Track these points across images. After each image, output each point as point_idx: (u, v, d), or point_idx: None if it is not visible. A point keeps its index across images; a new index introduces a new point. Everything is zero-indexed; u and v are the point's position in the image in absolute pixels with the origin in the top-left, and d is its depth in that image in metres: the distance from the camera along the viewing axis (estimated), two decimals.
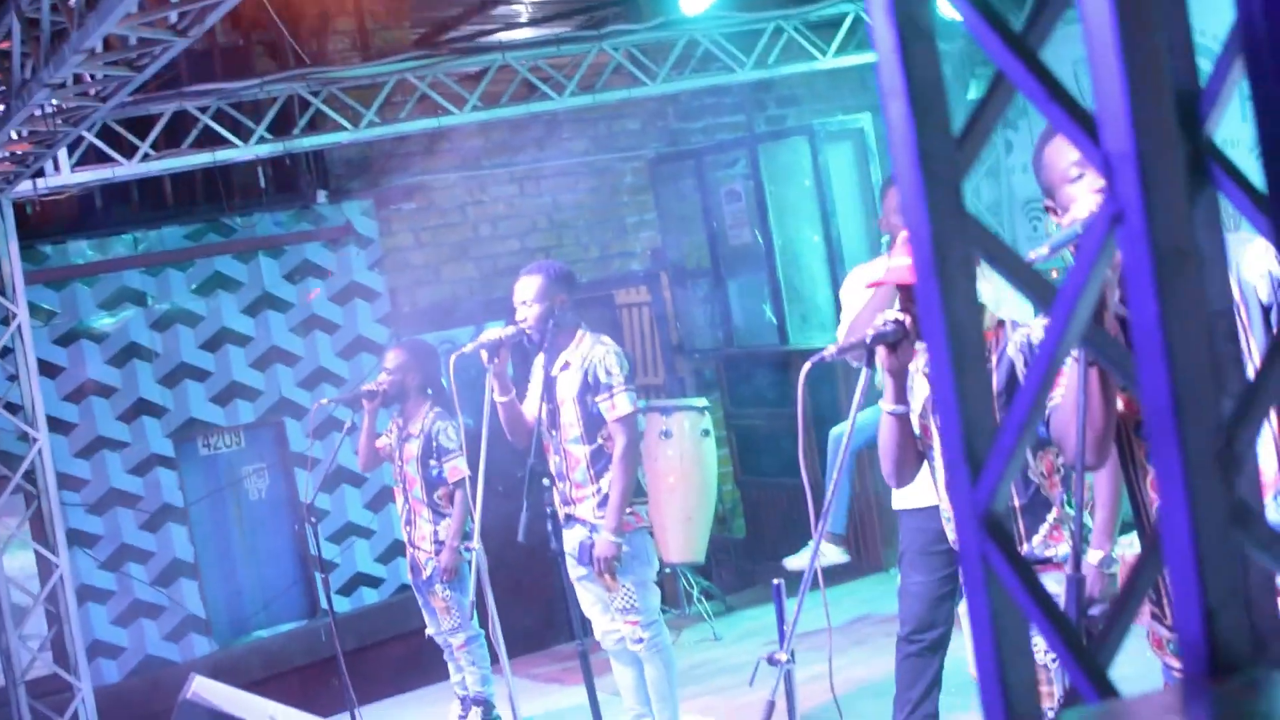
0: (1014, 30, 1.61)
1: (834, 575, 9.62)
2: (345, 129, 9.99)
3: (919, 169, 1.65)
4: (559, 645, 10.66)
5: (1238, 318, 3.79)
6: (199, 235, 10.88)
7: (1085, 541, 5.11)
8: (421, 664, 10.01)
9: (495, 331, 7.48)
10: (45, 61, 6.28)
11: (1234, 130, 8.51)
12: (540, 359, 7.73)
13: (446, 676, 9.40)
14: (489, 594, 7.21)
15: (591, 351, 7.59)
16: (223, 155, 9.60)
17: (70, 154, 9.01)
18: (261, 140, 9.66)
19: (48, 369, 10.20)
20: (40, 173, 8.76)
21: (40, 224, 10.44)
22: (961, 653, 6.19)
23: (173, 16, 5.95)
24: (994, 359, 4.99)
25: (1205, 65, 1.51)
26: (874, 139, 11.58)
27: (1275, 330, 3.71)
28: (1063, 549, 4.99)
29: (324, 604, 8.86)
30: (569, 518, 7.66)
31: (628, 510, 7.53)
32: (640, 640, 7.69)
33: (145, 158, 9.27)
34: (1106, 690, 1.49)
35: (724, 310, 12.40)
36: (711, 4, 10.42)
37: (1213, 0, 3.63)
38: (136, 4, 5.54)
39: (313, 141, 10.07)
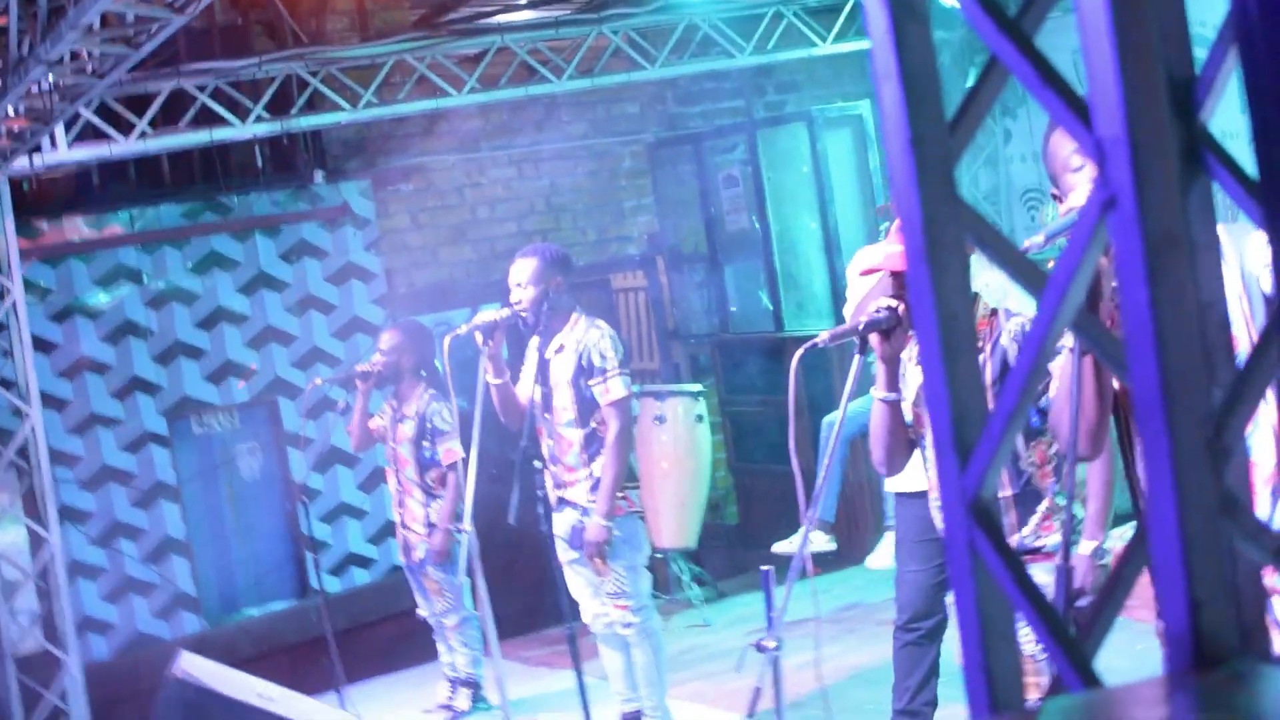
0: (1008, 15, 1.60)
1: (824, 563, 9.63)
2: (343, 109, 9.97)
3: (911, 153, 1.64)
4: (547, 629, 10.65)
5: (1240, 308, 3.79)
6: (195, 214, 10.85)
7: (1076, 533, 5.11)
8: (410, 645, 10.00)
9: (490, 313, 7.46)
10: (42, 38, 6.26)
11: (1232, 122, 8.49)
12: (535, 342, 7.71)
13: (435, 657, 9.40)
14: (480, 577, 7.20)
15: (586, 335, 7.58)
16: (220, 134, 9.57)
17: (67, 131, 8.98)
18: (259, 120, 9.63)
19: (42, 345, 10.18)
20: (37, 149, 8.73)
21: (37, 201, 10.42)
22: (954, 642, 6.18)
23: None
24: (987, 348, 4.98)
25: (1203, 55, 1.51)
26: (873, 126, 11.58)
27: (1267, 321, 3.70)
28: (1054, 539, 4.98)
29: (314, 584, 8.85)
30: (561, 501, 7.65)
31: (619, 495, 7.52)
32: (630, 625, 7.68)
33: (142, 136, 9.24)
34: (1091, 680, 1.49)
35: (720, 296, 12.39)
36: None
37: None
38: None
39: (310, 121, 10.04)
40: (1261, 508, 4.00)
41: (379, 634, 10.68)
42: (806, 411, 10.42)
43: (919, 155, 1.64)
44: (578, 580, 7.76)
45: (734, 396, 12.48)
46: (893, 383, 4.98)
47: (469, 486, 7.05)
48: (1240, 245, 3.76)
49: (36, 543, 9.05)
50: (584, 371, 7.53)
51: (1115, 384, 3.99)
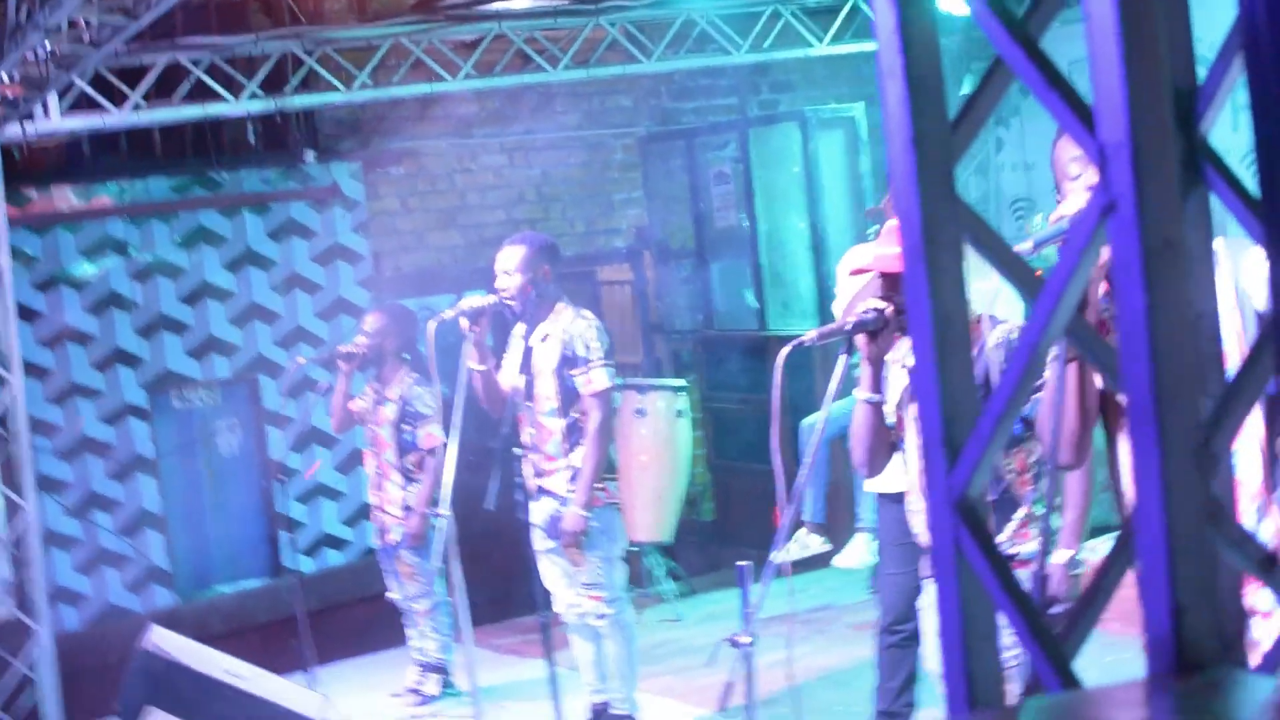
0: (1016, 17, 1.61)
1: (799, 563, 9.62)
2: (338, 90, 9.96)
3: (913, 151, 1.64)
4: (518, 617, 10.65)
5: (1233, 323, 3.79)
6: (185, 188, 10.83)
7: (1051, 542, 5.12)
8: (381, 628, 9.99)
9: (476, 299, 7.46)
10: (41, 4, 6.25)
11: (1220, 141, 8.50)
12: (519, 329, 7.71)
13: (405, 642, 9.40)
14: (455, 563, 7.20)
15: (571, 325, 7.58)
16: (214, 109, 9.56)
17: (61, 100, 8.96)
18: (253, 96, 9.63)
19: (26, 313, 10.15)
20: (30, 117, 8.71)
21: (27, 168, 10.39)
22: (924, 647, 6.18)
23: None
24: (973, 352, 4.99)
25: (1203, 74, 1.52)
26: (866, 129, 11.58)
27: (1259, 336, 3.70)
28: (1029, 547, 5.00)
29: (288, 563, 8.84)
30: (539, 490, 7.65)
31: (598, 486, 7.53)
32: (603, 616, 7.69)
33: (136, 108, 9.23)
34: (1069, 681, 1.49)
35: (705, 292, 12.39)
36: None
37: (1213, 10, 3.64)
38: None
39: (304, 100, 10.03)
40: (1246, 524, 4.00)
41: (350, 616, 10.67)
42: (787, 412, 10.40)
43: (920, 153, 1.64)
44: (553, 570, 7.77)
45: (715, 393, 12.47)
46: (876, 384, 5.00)
47: (448, 472, 7.04)
48: (1237, 260, 3.75)
49: (12, 510, 9.02)
50: (568, 361, 7.54)
51: (1101, 391, 3.99)
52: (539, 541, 7.67)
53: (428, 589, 9.01)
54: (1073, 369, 3.85)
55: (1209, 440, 1.46)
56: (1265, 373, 1.57)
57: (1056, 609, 5.09)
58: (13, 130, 8.75)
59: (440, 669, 9.18)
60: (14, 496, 8.96)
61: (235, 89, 9.56)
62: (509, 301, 7.49)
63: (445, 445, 7.22)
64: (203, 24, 10.05)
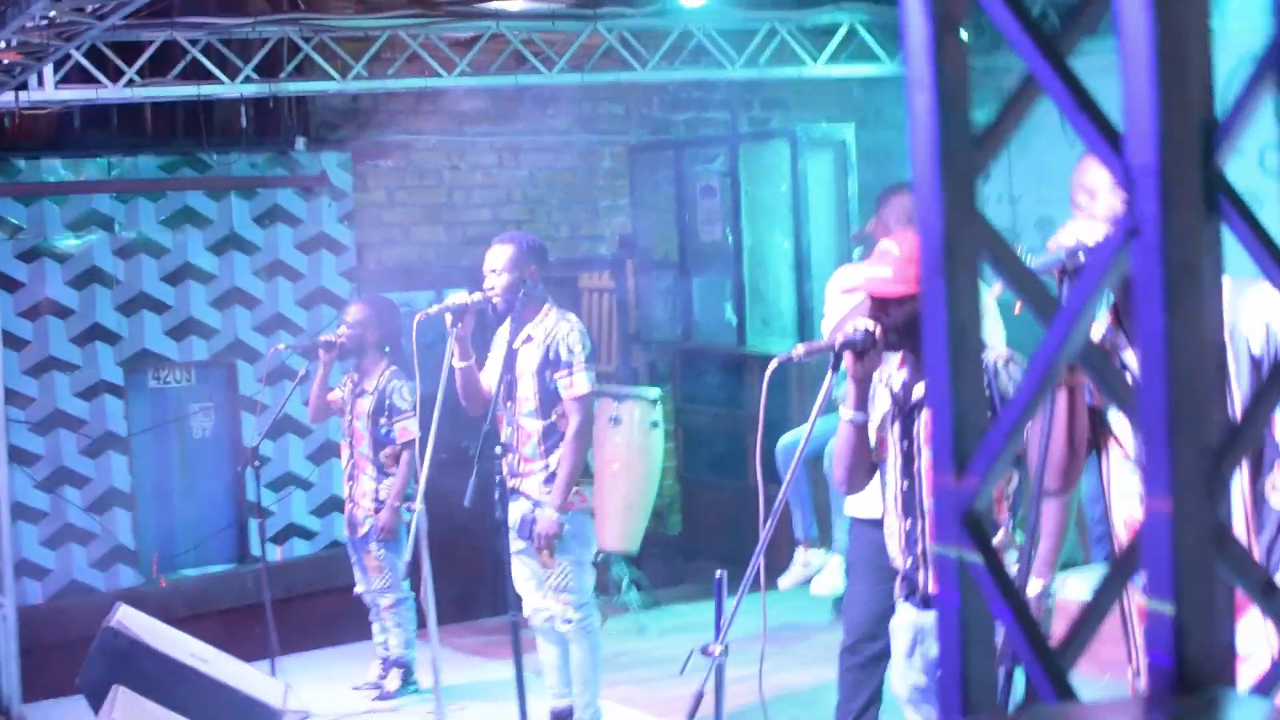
0: (1047, 34, 1.62)
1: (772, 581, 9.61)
2: (332, 79, 9.97)
3: (938, 163, 1.66)
4: (483, 618, 10.64)
5: (1227, 361, 3.80)
6: (173, 168, 10.83)
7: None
8: (346, 620, 9.98)
9: (462, 296, 7.46)
10: None
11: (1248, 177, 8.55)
12: (503, 329, 7.71)
13: (369, 635, 9.38)
14: (425, 559, 7.20)
15: (556, 327, 7.58)
16: (207, 90, 9.57)
17: (55, 72, 8.95)
18: (248, 80, 9.63)
19: (7, 283, 10.17)
20: (24, 86, 8.70)
21: (16, 138, 10.38)
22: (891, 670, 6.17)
23: None
24: None
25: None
26: (855, 151, 11.61)
27: (1265, 379, 3.71)
28: None
29: (255, 550, 8.83)
30: (514, 491, 7.64)
31: (574, 490, 7.53)
32: (569, 621, 7.69)
33: (130, 83, 9.23)
34: (1066, 693, 1.51)
35: (685, 305, 12.42)
36: None
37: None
38: None
39: (299, 87, 10.05)
40: None
41: (315, 607, 10.66)
42: (765, 428, 10.40)
43: (945, 164, 1.65)
44: (523, 572, 7.76)
45: (688, 406, 12.49)
46: (861, 403, 5.02)
47: (424, 468, 7.04)
48: (1236, 301, 3.75)
49: None
50: (550, 364, 7.54)
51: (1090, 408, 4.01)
52: (511, 542, 7.67)
53: (393, 584, 9.00)
54: (1063, 396, 3.87)
55: (1219, 465, 1.48)
56: (1269, 408, 1.59)
57: None
58: (6, 98, 8.74)
59: (403, 665, 9.17)
60: None
61: (230, 71, 9.57)
62: (496, 300, 7.49)
63: (421, 440, 7.22)
64: (201, 4, 10.05)
